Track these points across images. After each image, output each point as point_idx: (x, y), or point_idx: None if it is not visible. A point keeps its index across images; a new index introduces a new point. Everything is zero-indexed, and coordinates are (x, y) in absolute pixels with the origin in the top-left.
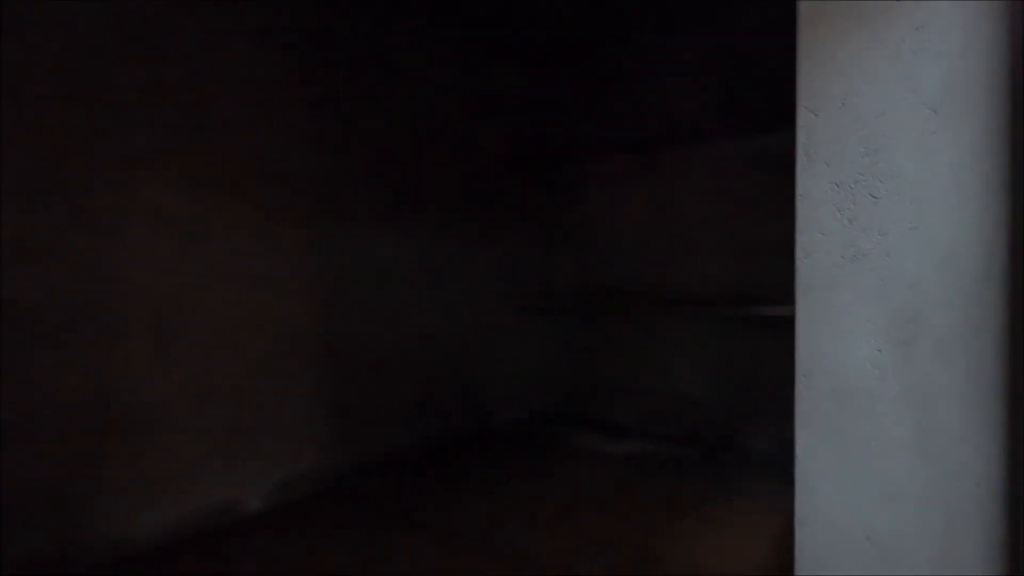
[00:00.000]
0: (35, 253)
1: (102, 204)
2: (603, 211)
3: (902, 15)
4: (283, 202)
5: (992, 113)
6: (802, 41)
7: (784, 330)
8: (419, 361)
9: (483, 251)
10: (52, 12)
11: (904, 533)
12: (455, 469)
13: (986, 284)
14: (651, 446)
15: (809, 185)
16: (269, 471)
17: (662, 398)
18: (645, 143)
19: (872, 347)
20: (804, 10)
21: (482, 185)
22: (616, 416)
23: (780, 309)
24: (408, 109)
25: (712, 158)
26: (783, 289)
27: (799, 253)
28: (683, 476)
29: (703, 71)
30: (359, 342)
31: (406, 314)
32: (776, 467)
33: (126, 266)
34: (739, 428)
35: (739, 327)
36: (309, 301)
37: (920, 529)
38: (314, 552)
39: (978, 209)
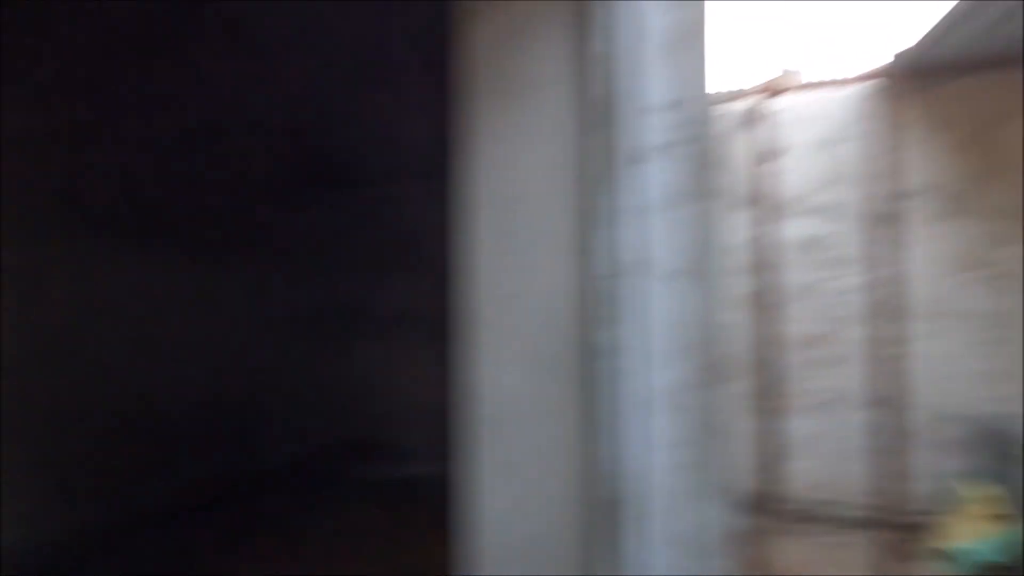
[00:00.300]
0: None
1: None
2: (370, 235)
3: (530, 101)
4: None
5: (582, 185)
6: (460, 110)
7: None
8: (181, 401)
9: (252, 277)
10: None
11: (544, 535)
12: (235, 513)
13: (578, 316)
14: (426, 467)
15: (467, 233)
16: None
17: (436, 416)
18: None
19: (514, 374)
20: (460, 86)
21: (254, 209)
22: (394, 440)
23: None
24: (172, 117)
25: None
26: None
27: (458, 293)
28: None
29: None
30: (102, 381)
31: (166, 349)
32: None
33: None
34: None
35: None
36: (37, 337)
37: (553, 530)
38: None
39: (575, 260)
